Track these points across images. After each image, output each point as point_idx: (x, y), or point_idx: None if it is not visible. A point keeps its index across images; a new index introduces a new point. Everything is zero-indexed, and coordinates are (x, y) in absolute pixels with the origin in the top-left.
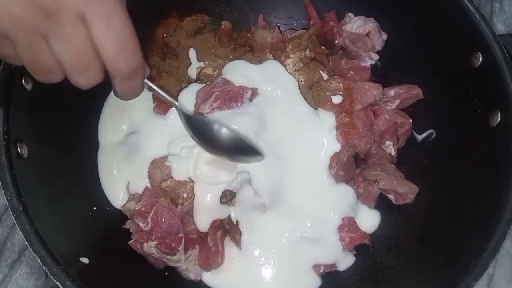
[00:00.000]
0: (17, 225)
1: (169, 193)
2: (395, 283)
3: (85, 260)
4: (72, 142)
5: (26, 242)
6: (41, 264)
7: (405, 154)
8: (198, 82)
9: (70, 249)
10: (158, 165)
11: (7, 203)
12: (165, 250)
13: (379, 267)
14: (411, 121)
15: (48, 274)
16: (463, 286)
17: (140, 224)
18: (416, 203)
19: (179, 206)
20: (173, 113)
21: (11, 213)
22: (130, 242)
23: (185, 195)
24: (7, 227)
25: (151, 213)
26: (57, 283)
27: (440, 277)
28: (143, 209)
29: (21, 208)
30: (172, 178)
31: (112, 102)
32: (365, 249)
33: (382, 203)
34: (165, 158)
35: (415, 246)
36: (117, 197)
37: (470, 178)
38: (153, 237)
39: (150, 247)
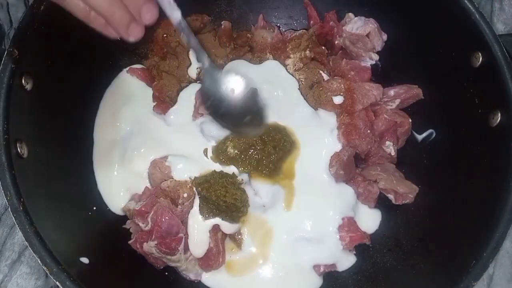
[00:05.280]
0: (17, 225)
1: (169, 193)
2: (395, 283)
3: (85, 260)
4: (72, 142)
5: (26, 242)
6: (41, 264)
7: (405, 154)
8: (198, 82)
9: (70, 249)
10: (158, 165)
11: (7, 203)
12: (165, 250)
13: (379, 267)
14: (410, 120)
15: (48, 274)
16: (463, 286)
17: (140, 224)
18: (416, 203)
19: (179, 206)
20: (173, 113)
21: (11, 213)
22: (130, 242)
23: (185, 195)
24: (7, 227)
25: (151, 213)
26: (57, 283)
27: (440, 277)
28: (143, 209)
29: (21, 208)
30: (172, 178)
31: (108, 100)
32: (365, 249)
33: (382, 203)
34: (165, 158)
35: (415, 246)
36: (115, 199)
37: (470, 178)
38: (153, 237)
39: (150, 247)
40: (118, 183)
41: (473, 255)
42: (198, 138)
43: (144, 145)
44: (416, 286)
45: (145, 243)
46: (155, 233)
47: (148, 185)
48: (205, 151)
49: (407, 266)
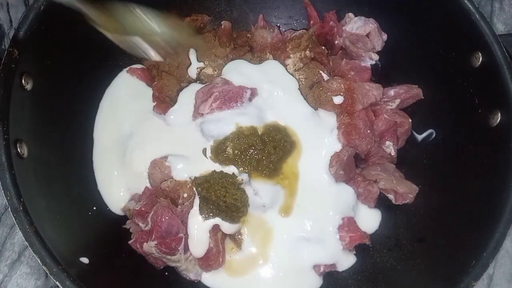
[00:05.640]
0: (17, 225)
1: (169, 193)
2: (395, 283)
3: (85, 260)
4: (72, 142)
5: (26, 242)
6: (41, 264)
7: (405, 154)
8: (198, 82)
9: (70, 249)
10: (158, 165)
11: (7, 203)
12: (165, 250)
13: (379, 267)
14: (410, 120)
15: (48, 274)
16: (463, 286)
17: (140, 224)
18: (416, 203)
19: (179, 206)
20: (173, 113)
21: (11, 213)
22: (130, 242)
23: (185, 195)
24: (7, 227)
25: (151, 213)
26: (57, 283)
27: (440, 277)
28: (143, 209)
29: (21, 208)
30: (172, 178)
31: (108, 100)
32: (365, 249)
33: (382, 203)
34: (165, 158)
35: (415, 246)
36: (115, 199)
37: (470, 178)
38: (153, 237)
39: (150, 247)
40: (118, 183)
41: (473, 255)
42: (198, 138)
43: (144, 145)
44: (416, 286)
45: (145, 243)
46: (155, 233)
47: (148, 185)
48: (204, 151)
49: (407, 266)
